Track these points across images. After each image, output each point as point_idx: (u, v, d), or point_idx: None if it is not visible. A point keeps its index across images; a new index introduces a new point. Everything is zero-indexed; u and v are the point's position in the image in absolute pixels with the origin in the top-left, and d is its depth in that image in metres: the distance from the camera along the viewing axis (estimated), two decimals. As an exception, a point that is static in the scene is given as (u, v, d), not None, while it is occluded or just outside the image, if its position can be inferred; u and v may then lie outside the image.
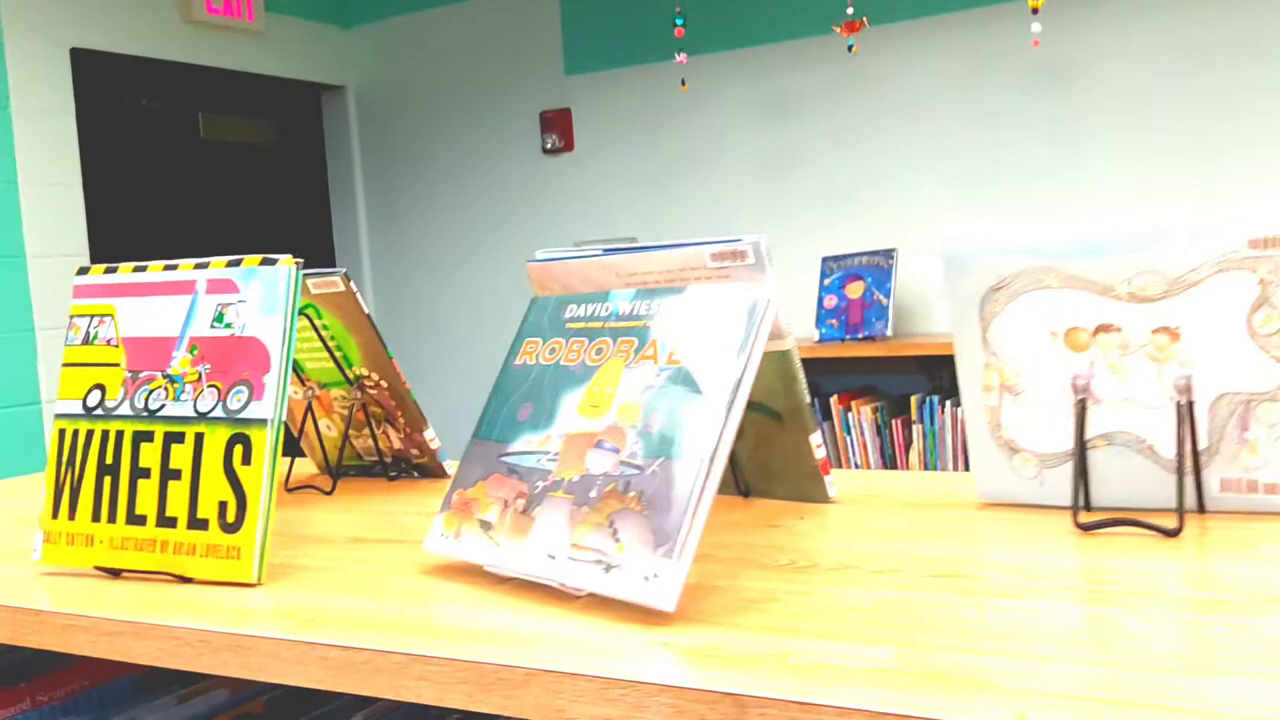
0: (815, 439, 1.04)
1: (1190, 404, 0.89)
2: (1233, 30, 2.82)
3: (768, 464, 1.08)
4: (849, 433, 3.12)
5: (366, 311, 1.26)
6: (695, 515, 0.75)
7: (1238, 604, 0.68)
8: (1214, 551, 0.80)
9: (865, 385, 3.34)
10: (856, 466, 3.14)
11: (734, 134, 3.51)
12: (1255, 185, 2.77)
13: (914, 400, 3.08)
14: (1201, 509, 0.91)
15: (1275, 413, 0.86)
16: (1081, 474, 0.94)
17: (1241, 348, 0.86)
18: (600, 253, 1.09)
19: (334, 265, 4.42)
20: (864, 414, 3.10)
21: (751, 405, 1.06)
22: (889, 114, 3.27)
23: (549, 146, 3.78)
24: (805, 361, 3.10)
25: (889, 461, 3.10)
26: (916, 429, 3.05)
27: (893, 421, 3.08)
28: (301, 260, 0.99)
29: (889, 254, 3.16)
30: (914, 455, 3.04)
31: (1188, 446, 0.89)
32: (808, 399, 1.03)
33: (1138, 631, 0.65)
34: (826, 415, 3.18)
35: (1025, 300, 0.92)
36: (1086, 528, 0.88)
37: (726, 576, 0.83)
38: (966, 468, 2.93)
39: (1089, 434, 0.94)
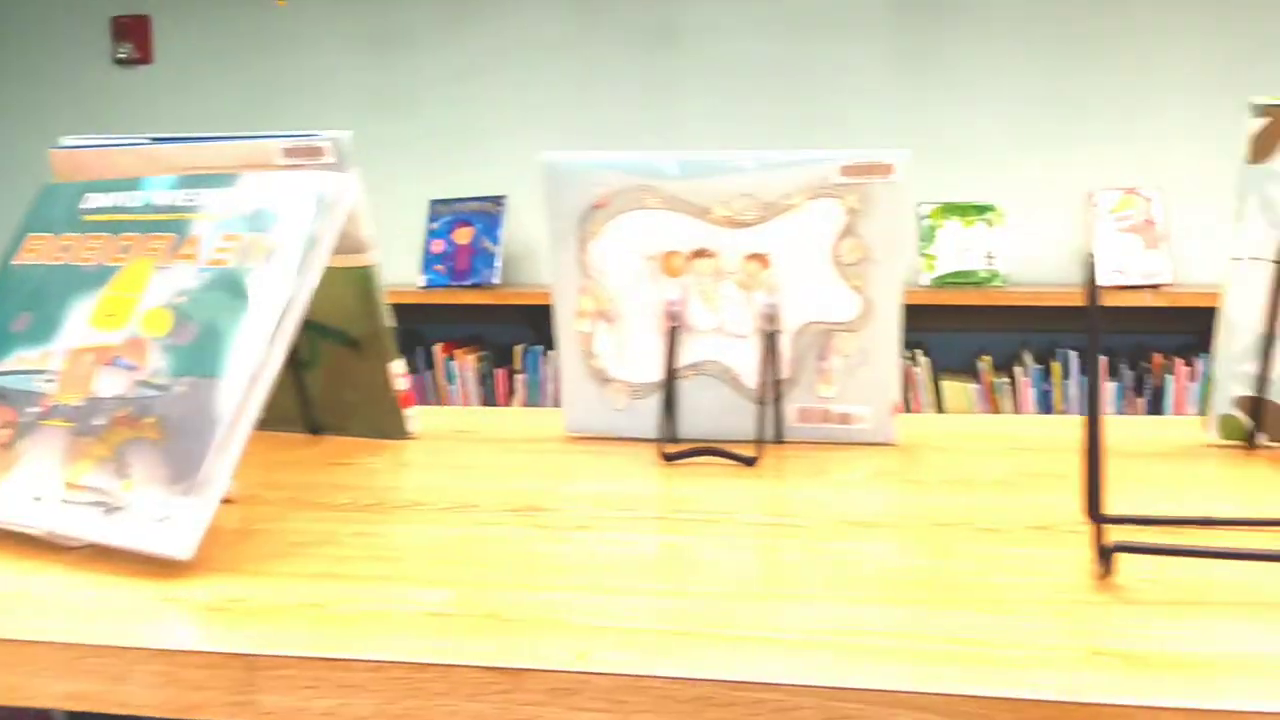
0: (396, 367, 0.93)
1: (776, 334, 0.88)
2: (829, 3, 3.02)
3: (342, 397, 0.95)
4: (452, 382, 3.03)
5: None
6: (227, 445, 0.61)
7: (808, 529, 0.66)
8: (788, 479, 0.79)
9: (471, 334, 3.26)
10: (459, 417, 3.05)
11: (339, 62, 3.27)
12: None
13: (518, 350, 3.04)
14: (779, 439, 0.91)
15: (853, 343, 0.87)
16: (670, 405, 0.90)
17: (825, 277, 0.86)
18: (146, 141, 0.91)
19: None
20: (468, 363, 3.02)
21: (326, 332, 0.93)
22: (505, 57, 3.19)
23: (122, 57, 3.32)
24: (409, 308, 2.97)
25: (492, 412, 3.05)
26: (520, 379, 3.02)
27: (496, 371, 3.03)
28: None
29: (499, 200, 3.09)
30: (515, 404, 3.01)
31: (770, 376, 0.88)
32: (389, 323, 0.92)
33: (710, 559, 0.60)
34: (430, 364, 3.07)
35: (624, 221, 0.87)
36: (670, 459, 0.84)
37: (271, 519, 0.70)
38: None
39: (680, 363, 0.90)
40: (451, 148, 3.25)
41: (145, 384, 0.65)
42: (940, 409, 2.83)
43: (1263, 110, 0.76)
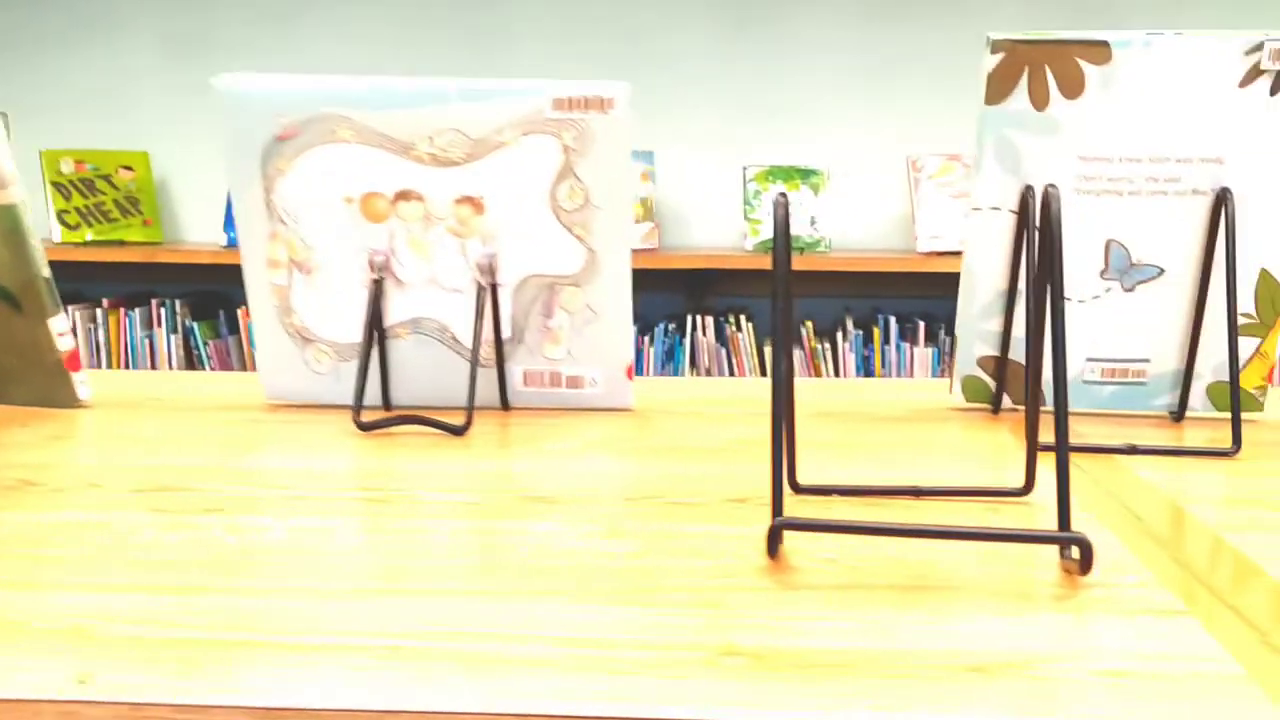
0: (56, 325, 0.80)
1: (494, 287, 0.79)
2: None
3: (2, 362, 0.82)
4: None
5: None
6: None
7: (481, 507, 0.58)
8: (494, 451, 0.70)
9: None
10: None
11: (133, 2, 3.03)
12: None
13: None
14: (506, 405, 0.82)
15: (578, 299, 0.79)
16: (369, 368, 0.80)
17: (545, 224, 0.77)
18: None
19: None
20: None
21: (-28, 279, 0.79)
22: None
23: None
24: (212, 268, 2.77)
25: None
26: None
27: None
28: None
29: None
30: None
31: (486, 335, 0.79)
32: (46, 273, 0.79)
33: (340, 549, 0.51)
34: (234, 329, 2.88)
35: (316, 156, 0.76)
36: (366, 428, 0.74)
37: None
38: None
39: (390, 320, 0.80)
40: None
41: None
42: (764, 374, 2.81)
43: (999, 46, 0.70)
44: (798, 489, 0.60)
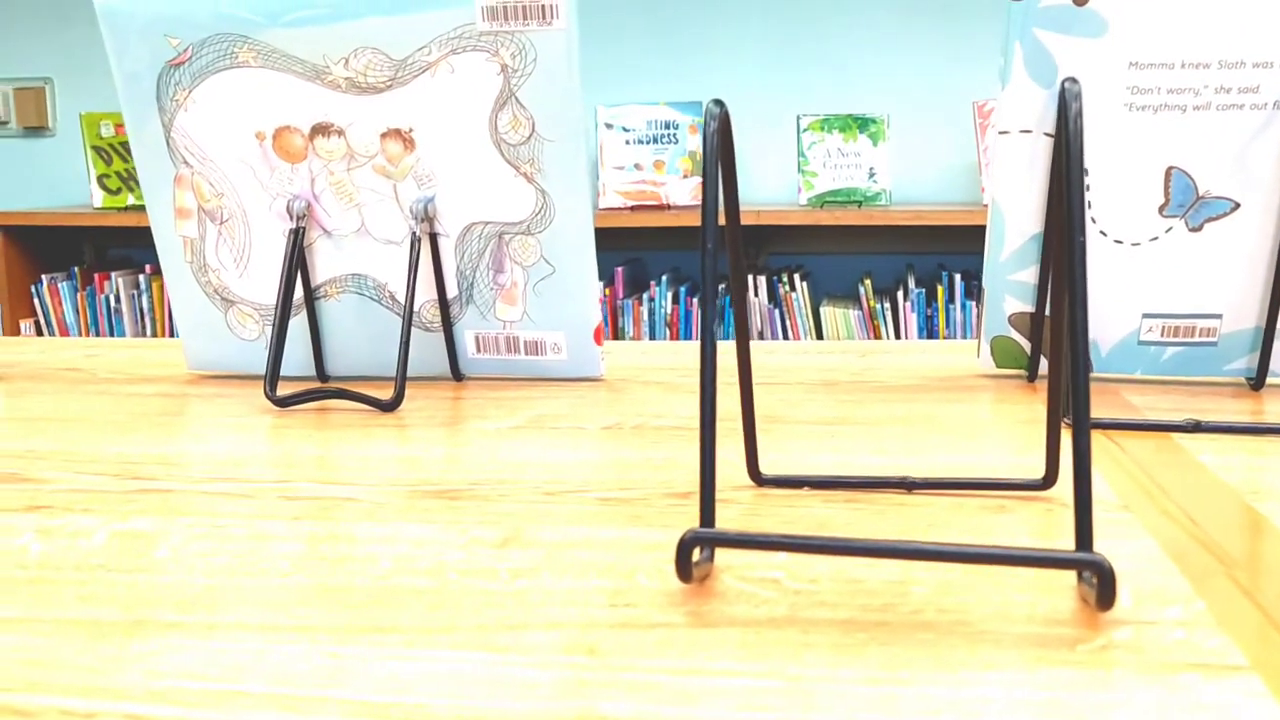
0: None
1: (434, 238, 0.67)
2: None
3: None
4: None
5: None
6: None
7: (376, 507, 0.47)
8: (423, 432, 0.59)
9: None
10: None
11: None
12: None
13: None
14: (458, 375, 0.71)
15: (532, 250, 0.67)
16: (283, 334, 0.69)
17: (487, 161, 0.65)
18: None
19: None
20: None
21: None
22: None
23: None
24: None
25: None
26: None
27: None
28: None
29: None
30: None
31: (424, 292, 0.68)
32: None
33: (166, 559, 0.40)
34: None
35: (216, 84, 0.65)
36: (281, 403, 0.64)
37: None
38: None
39: (319, 278, 0.70)
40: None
41: None
42: (820, 336, 2.66)
43: (1028, -75, 0.56)
44: (760, 480, 0.48)
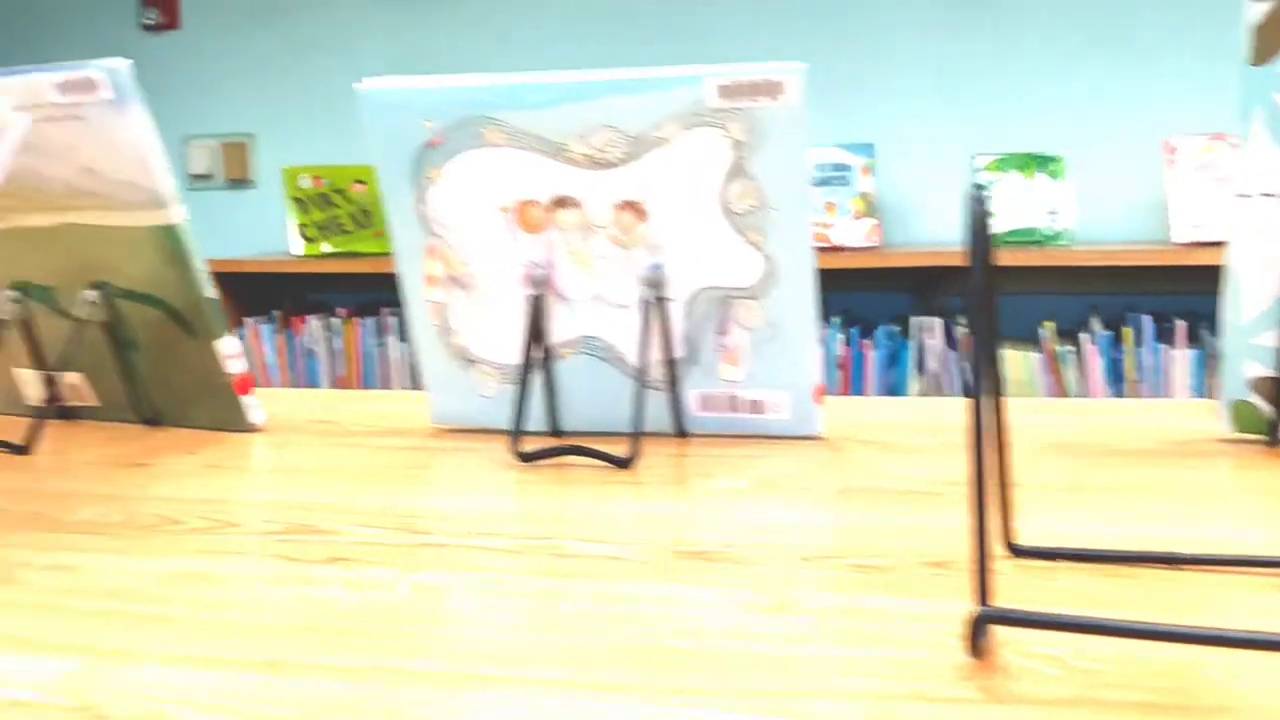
0: (225, 347, 0.78)
1: (662, 302, 0.70)
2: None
3: (172, 382, 0.81)
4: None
5: None
6: None
7: (641, 567, 0.49)
8: (657, 489, 0.62)
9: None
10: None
11: (367, 19, 3.15)
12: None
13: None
14: (682, 432, 0.74)
15: (757, 314, 0.69)
16: (525, 393, 0.74)
17: (715, 230, 0.68)
18: None
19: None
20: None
21: (146, 302, 0.78)
22: (542, 10, 3.03)
23: (149, 22, 3.25)
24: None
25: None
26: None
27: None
28: None
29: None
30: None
31: (653, 355, 0.71)
32: (210, 293, 0.77)
33: (464, 613, 0.44)
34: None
35: (465, 162, 0.70)
36: (526, 458, 0.68)
37: (-40, 544, 0.56)
38: None
39: (554, 339, 0.74)
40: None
41: None
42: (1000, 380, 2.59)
43: (1276, -11, 0.56)
44: (1015, 551, 0.48)
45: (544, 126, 0.68)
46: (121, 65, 0.70)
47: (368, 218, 3.10)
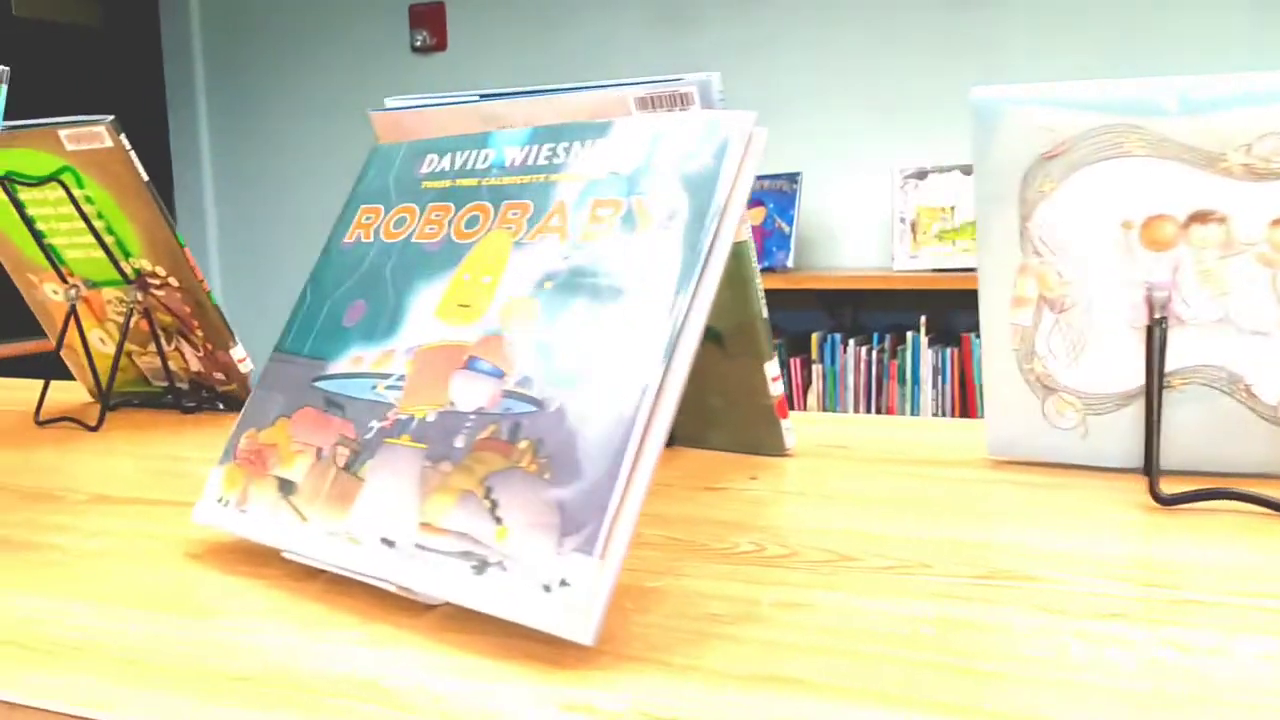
0: (770, 369, 0.75)
1: (1313, 329, 0.63)
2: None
3: (705, 403, 0.79)
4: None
5: (145, 179, 0.91)
6: (630, 485, 0.45)
7: None
8: (1375, 541, 0.55)
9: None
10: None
11: (625, 40, 3.18)
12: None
13: (815, 338, 2.84)
14: (1309, 475, 0.66)
15: None
16: (1156, 428, 0.67)
17: (1400, 249, 0.60)
18: (475, 98, 0.77)
19: (170, 178, 3.92)
20: (760, 351, 2.85)
21: (683, 320, 0.76)
22: (797, 26, 2.99)
23: (419, 44, 3.37)
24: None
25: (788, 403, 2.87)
26: (816, 369, 2.82)
27: (791, 360, 2.84)
28: (5, 70, 0.64)
29: (793, 178, 2.89)
30: (812, 397, 2.81)
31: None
32: (764, 313, 0.74)
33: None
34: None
35: (1091, 174, 0.65)
36: (1168, 502, 0.61)
37: (664, 570, 0.53)
38: (875, 410, 2.71)
39: (1167, 367, 0.67)
40: (740, 123, 3.07)
41: (515, 395, 0.50)
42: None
43: None
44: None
45: (1202, 134, 0.62)
46: (712, 78, 0.67)
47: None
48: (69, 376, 1.15)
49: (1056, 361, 0.69)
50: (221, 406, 1.03)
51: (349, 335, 0.59)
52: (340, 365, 0.58)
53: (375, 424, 0.54)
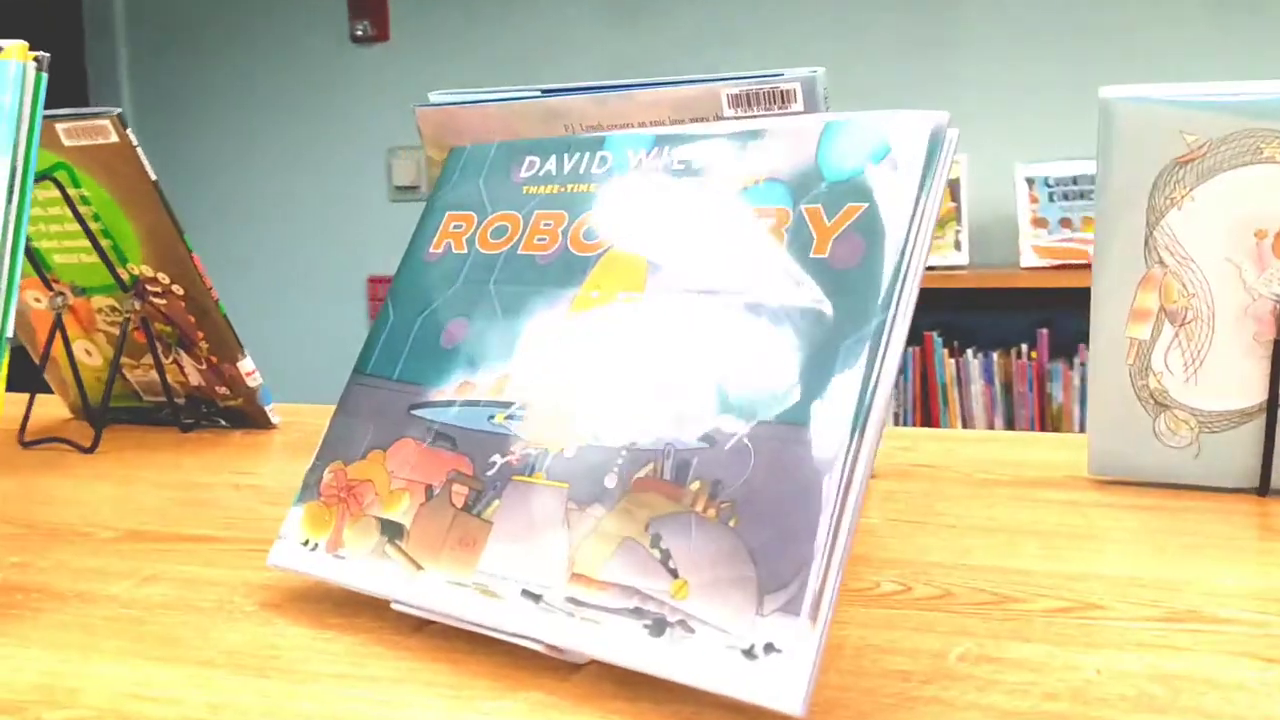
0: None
1: None
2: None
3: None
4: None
5: (153, 179, 0.83)
6: (836, 535, 0.39)
7: None
8: None
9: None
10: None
11: (581, 31, 3.11)
12: None
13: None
14: None
15: None
16: (1272, 444, 0.64)
17: None
18: (537, 93, 0.71)
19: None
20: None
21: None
22: (757, 21, 2.96)
23: (360, 34, 3.25)
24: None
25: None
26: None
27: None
28: (45, 56, 0.56)
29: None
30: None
31: None
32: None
33: None
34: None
35: (1227, 181, 0.61)
36: (1319, 527, 0.58)
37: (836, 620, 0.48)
38: (926, 423, 2.68)
39: (1281, 385, 0.64)
40: (697, 120, 3.03)
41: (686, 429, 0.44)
42: None
43: None
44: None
45: (1349, 140, 0.59)
46: (815, 73, 0.62)
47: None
48: (46, 388, 1.05)
49: (1173, 378, 0.66)
50: (224, 423, 0.95)
51: (451, 358, 0.52)
52: (444, 392, 0.51)
53: (498, 459, 0.48)
